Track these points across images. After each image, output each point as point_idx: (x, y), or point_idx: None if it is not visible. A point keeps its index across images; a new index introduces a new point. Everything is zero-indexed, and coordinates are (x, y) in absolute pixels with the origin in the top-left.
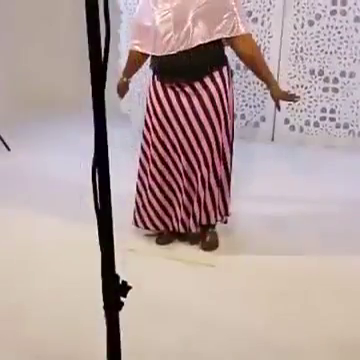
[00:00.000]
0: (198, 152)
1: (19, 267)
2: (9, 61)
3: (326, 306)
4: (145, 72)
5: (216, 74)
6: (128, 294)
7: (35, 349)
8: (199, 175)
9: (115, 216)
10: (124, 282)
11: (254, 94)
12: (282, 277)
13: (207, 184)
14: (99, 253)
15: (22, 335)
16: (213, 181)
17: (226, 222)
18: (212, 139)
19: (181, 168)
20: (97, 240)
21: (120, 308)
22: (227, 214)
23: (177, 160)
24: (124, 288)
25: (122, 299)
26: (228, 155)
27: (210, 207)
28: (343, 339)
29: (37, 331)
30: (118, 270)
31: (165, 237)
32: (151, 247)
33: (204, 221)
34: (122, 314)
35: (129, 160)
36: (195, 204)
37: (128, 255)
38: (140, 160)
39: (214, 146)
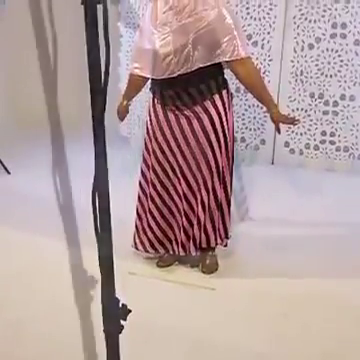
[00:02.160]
0: (198, 175)
1: (17, 288)
2: (8, 82)
3: (326, 328)
4: (146, 95)
5: (216, 97)
6: (128, 317)
7: None
8: (199, 198)
9: (115, 239)
10: (124, 305)
11: (254, 117)
12: (282, 299)
13: (207, 207)
14: (99, 276)
15: (19, 355)
16: (213, 204)
17: (226, 245)
18: (212, 162)
19: (181, 191)
20: (97, 262)
21: (120, 331)
22: (227, 237)
23: (177, 183)
24: (124, 311)
25: (122, 322)
26: (228, 178)
27: (210, 230)
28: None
29: (34, 351)
30: (118, 293)
31: (165, 260)
32: (151, 270)
33: (204, 244)
34: (122, 336)
35: (129, 183)
36: (195, 227)
37: (128, 278)
38: (140, 183)
39: (214, 169)
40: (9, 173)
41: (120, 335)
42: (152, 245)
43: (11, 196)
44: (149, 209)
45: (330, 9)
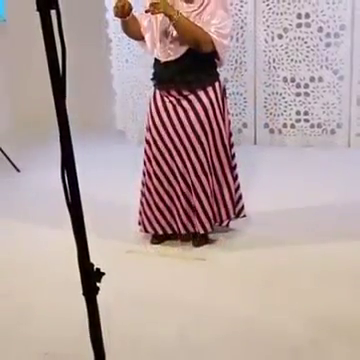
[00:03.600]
0: (193, 177)
1: (26, 275)
2: (14, 83)
3: (310, 290)
4: (139, 92)
5: (209, 88)
6: (127, 291)
7: (38, 351)
8: (195, 197)
9: (117, 224)
10: (98, 269)
11: (235, 104)
12: (267, 269)
13: (205, 206)
14: (104, 265)
15: (25, 341)
16: (210, 200)
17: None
18: (206, 160)
19: (179, 191)
20: (102, 253)
21: (94, 296)
22: (228, 225)
23: (176, 186)
24: (98, 274)
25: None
26: (222, 175)
27: (208, 228)
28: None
29: (41, 335)
30: (118, 271)
31: (158, 237)
32: (146, 247)
33: (201, 232)
34: (121, 308)
35: (128, 173)
36: (195, 227)
37: (126, 256)
38: (142, 184)
39: (211, 170)
40: (18, 171)
41: (120, 307)
42: (155, 224)
43: (20, 192)
44: (152, 212)
45: (294, 1)
